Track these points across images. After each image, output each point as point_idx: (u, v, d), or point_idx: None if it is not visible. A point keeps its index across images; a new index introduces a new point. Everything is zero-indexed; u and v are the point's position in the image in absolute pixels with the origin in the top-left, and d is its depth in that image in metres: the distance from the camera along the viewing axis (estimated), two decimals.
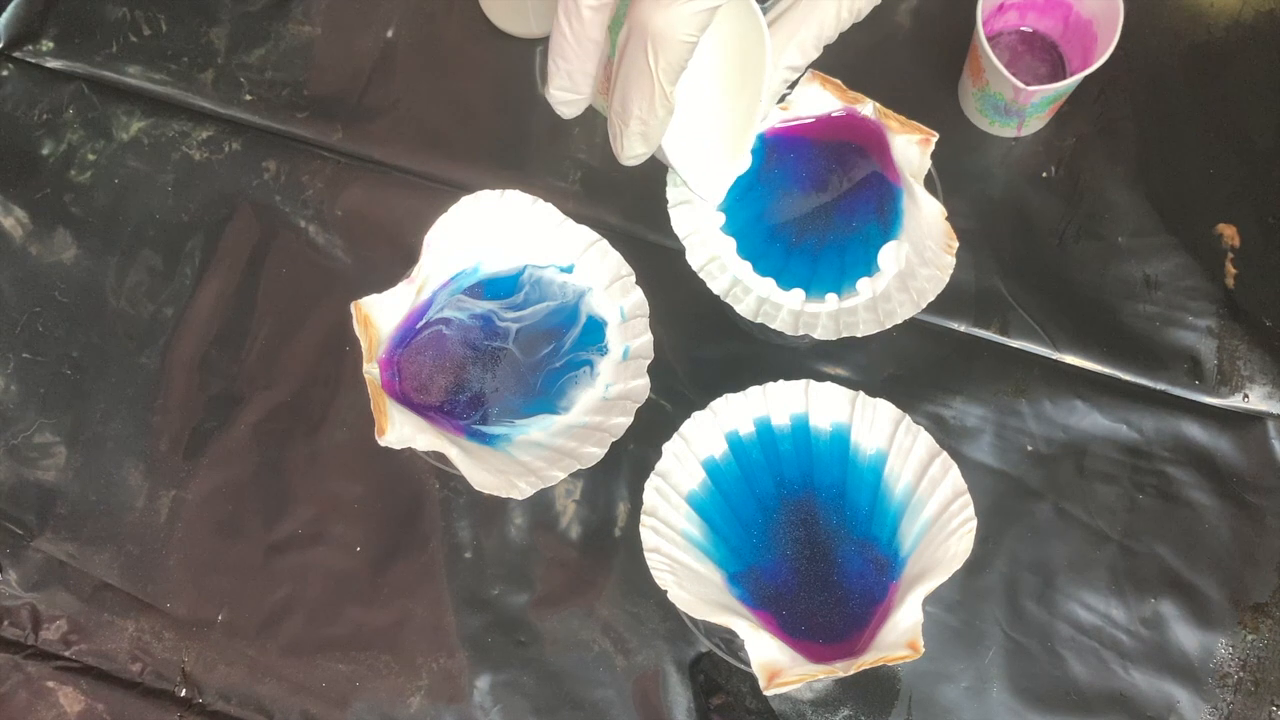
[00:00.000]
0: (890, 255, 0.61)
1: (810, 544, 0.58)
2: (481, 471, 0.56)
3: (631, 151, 0.49)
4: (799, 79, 0.61)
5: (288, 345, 0.69)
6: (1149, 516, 0.65)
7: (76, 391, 0.69)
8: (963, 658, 0.63)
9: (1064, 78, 0.68)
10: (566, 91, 0.50)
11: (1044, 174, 0.70)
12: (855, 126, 0.62)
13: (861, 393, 0.58)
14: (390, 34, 0.74)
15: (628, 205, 0.70)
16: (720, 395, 0.58)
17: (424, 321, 0.61)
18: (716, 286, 0.60)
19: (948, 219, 0.58)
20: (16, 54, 0.75)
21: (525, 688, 0.64)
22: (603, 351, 0.61)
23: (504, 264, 0.62)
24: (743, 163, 0.61)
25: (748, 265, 0.61)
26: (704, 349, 0.68)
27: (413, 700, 0.64)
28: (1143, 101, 0.71)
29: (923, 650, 0.51)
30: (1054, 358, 0.68)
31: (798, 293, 0.61)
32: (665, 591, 0.54)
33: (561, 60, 0.48)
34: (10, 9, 0.75)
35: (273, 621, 0.66)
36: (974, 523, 0.54)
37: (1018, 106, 0.66)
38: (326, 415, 0.68)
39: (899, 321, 0.59)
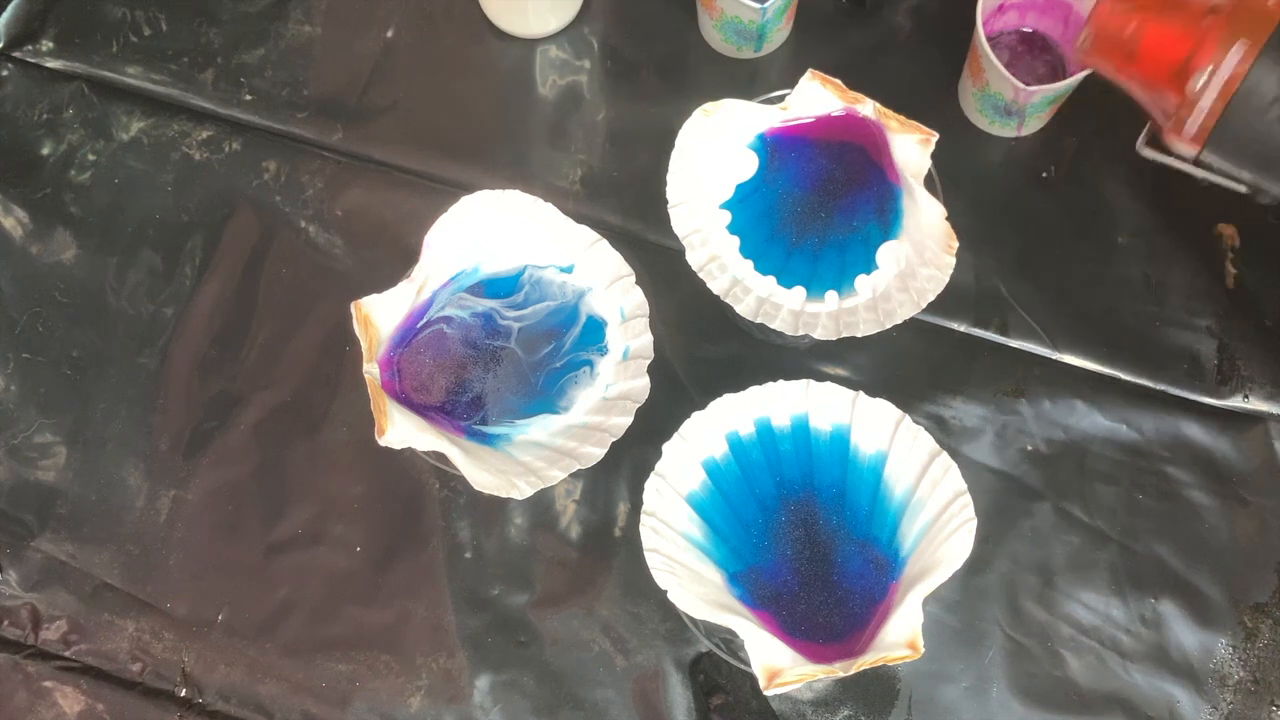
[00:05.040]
0: (890, 255, 0.61)
1: (810, 544, 0.58)
2: (481, 471, 0.56)
3: None
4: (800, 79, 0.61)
5: (288, 345, 0.69)
6: (1149, 516, 0.65)
7: (76, 391, 0.69)
8: (963, 658, 0.63)
9: (1064, 78, 0.68)
10: None
11: (1044, 174, 0.70)
12: (855, 126, 0.62)
13: (861, 393, 0.58)
14: (390, 34, 0.74)
15: (628, 205, 0.70)
16: (720, 395, 0.58)
17: (424, 321, 0.61)
18: (716, 286, 0.60)
19: (948, 219, 0.58)
20: (16, 54, 0.75)
21: (525, 688, 0.64)
22: (603, 351, 0.61)
23: (504, 264, 0.62)
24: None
25: (749, 264, 0.61)
26: (704, 349, 0.68)
27: (413, 700, 0.64)
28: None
29: (923, 650, 0.51)
30: (1054, 358, 0.68)
31: (799, 291, 0.61)
32: (665, 591, 0.54)
33: None
34: (10, 9, 0.75)
35: (273, 621, 0.66)
36: (974, 523, 0.54)
37: (1018, 106, 0.66)
38: (326, 415, 0.68)
39: (899, 321, 0.59)
